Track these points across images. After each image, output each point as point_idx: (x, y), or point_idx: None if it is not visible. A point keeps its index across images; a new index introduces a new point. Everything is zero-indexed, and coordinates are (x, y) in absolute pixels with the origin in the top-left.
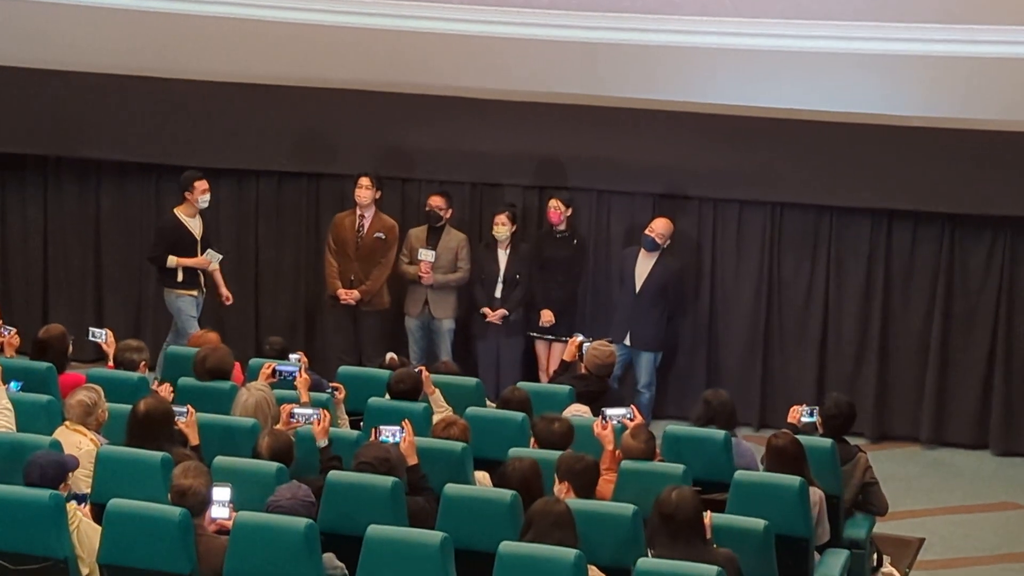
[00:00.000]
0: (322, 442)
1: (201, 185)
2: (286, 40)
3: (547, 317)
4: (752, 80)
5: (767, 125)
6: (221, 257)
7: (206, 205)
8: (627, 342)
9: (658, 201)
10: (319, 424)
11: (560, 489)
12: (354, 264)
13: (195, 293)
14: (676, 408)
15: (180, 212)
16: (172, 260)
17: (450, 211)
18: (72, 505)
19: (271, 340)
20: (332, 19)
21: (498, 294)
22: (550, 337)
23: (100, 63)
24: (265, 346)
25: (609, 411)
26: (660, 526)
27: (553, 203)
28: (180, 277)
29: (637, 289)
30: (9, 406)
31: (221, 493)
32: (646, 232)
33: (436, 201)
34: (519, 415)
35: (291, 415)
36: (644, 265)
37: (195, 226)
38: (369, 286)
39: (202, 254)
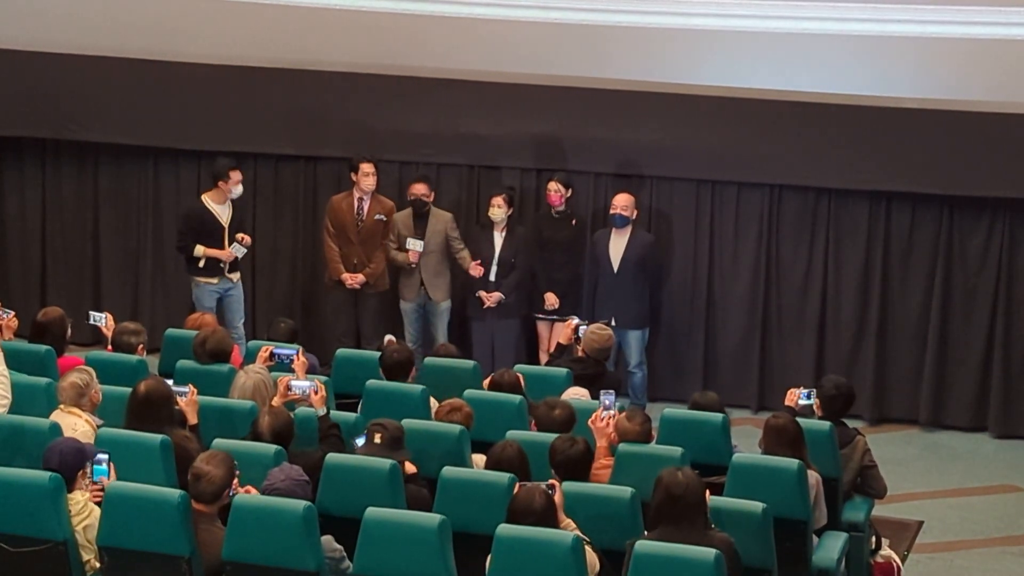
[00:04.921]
0: (321, 411)
1: (236, 175)
2: (284, 22)
3: (551, 300)
4: (749, 62)
5: (764, 107)
6: (245, 251)
7: (239, 196)
8: (612, 323)
9: (655, 182)
10: (316, 394)
11: (552, 483)
12: (356, 247)
13: (215, 281)
14: (672, 391)
15: (208, 198)
16: (199, 250)
17: (432, 195)
18: (86, 495)
19: (282, 322)
20: (330, 1)
21: (492, 277)
22: (554, 317)
23: (98, 46)
24: (281, 324)
25: (604, 396)
26: (666, 507)
27: (553, 185)
28: (201, 263)
29: (616, 269)
30: (5, 372)
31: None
32: (612, 212)
33: (419, 189)
34: (517, 398)
35: (288, 387)
36: (618, 244)
37: (223, 213)
38: (373, 268)
39: (229, 243)
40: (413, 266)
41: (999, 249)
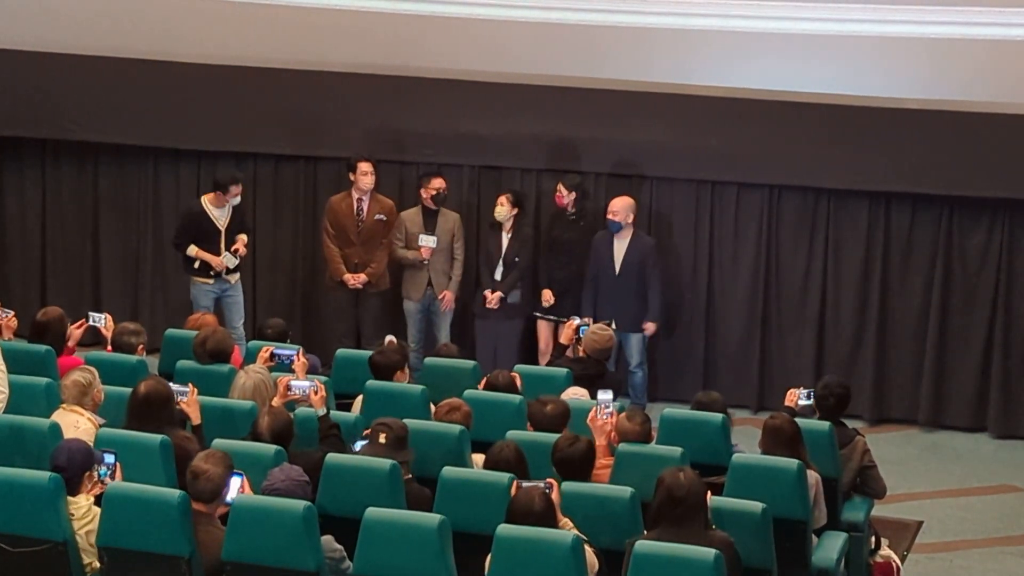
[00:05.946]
0: (320, 411)
1: (236, 188)
2: (285, 23)
3: (546, 297)
4: (750, 62)
5: (765, 107)
6: (237, 262)
7: (236, 204)
8: (613, 326)
9: (655, 183)
10: (316, 394)
11: (550, 482)
12: (356, 248)
13: (210, 281)
14: (672, 391)
15: (207, 201)
16: (192, 250)
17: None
18: (90, 499)
19: (271, 322)
20: (331, 1)
21: (498, 276)
22: (552, 317)
23: (98, 46)
24: (267, 330)
25: (601, 395)
26: (667, 508)
27: (557, 186)
28: (196, 264)
29: (617, 272)
30: (3, 367)
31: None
32: (608, 217)
33: (439, 183)
34: (516, 398)
35: (288, 387)
36: (618, 247)
37: (220, 216)
38: (375, 268)
39: (226, 244)
40: (425, 262)
41: (999, 249)
